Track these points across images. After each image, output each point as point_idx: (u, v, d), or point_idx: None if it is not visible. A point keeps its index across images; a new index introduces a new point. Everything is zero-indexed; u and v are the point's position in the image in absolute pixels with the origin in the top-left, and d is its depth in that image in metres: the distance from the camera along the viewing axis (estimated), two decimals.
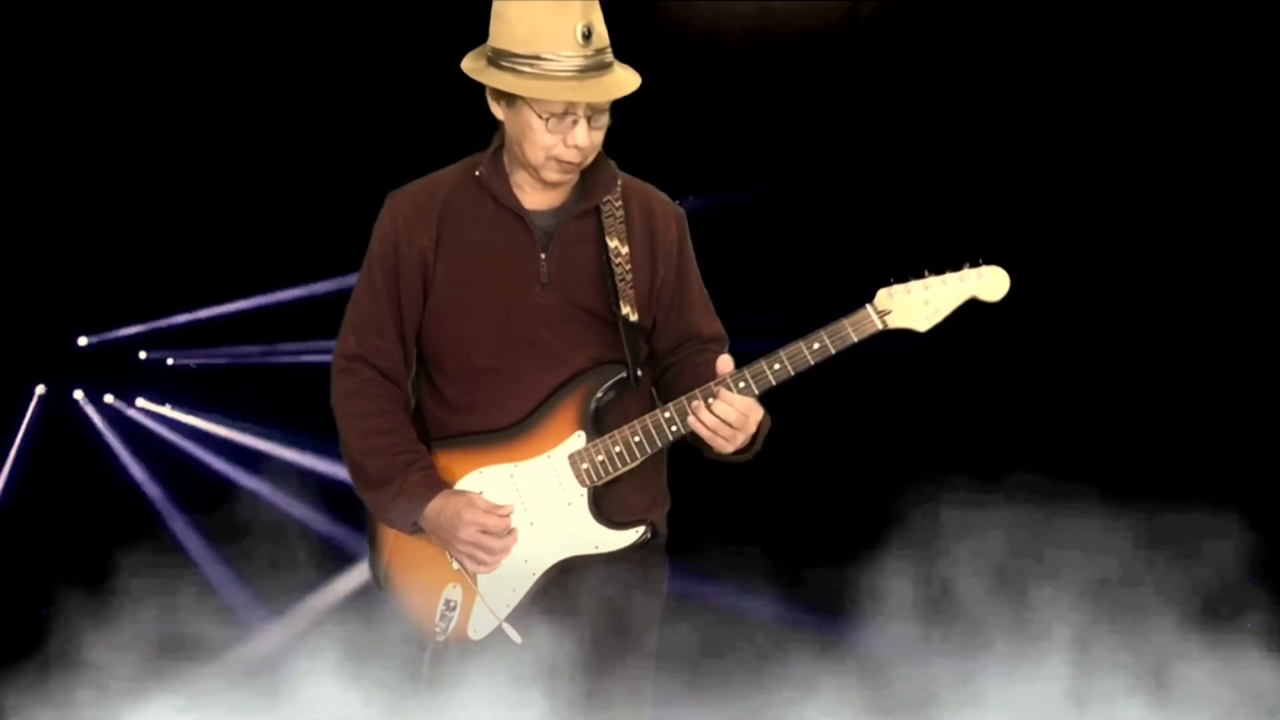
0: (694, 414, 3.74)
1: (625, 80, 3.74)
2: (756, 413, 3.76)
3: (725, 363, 3.76)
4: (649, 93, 3.77)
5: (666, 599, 3.99)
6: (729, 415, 3.73)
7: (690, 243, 4.00)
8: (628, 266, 3.86)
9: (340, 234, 4.84)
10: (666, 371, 3.96)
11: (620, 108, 3.80)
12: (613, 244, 3.86)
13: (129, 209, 7.75)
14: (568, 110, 3.71)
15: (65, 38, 7.44)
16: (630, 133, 3.92)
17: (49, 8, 7.41)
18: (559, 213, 3.87)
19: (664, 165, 4.21)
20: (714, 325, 4.00)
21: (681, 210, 4.00)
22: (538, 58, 3.68)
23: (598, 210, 3.87)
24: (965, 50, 7.38)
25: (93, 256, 7.79)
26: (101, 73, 7.49)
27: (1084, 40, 7.10)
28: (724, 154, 7.54)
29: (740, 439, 3.76)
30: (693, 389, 3.77)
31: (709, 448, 3.80)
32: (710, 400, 3.73)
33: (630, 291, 3.85)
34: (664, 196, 3.99)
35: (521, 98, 3.71)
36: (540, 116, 3.71)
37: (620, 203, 3.89)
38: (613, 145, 3.89)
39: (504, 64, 3.71)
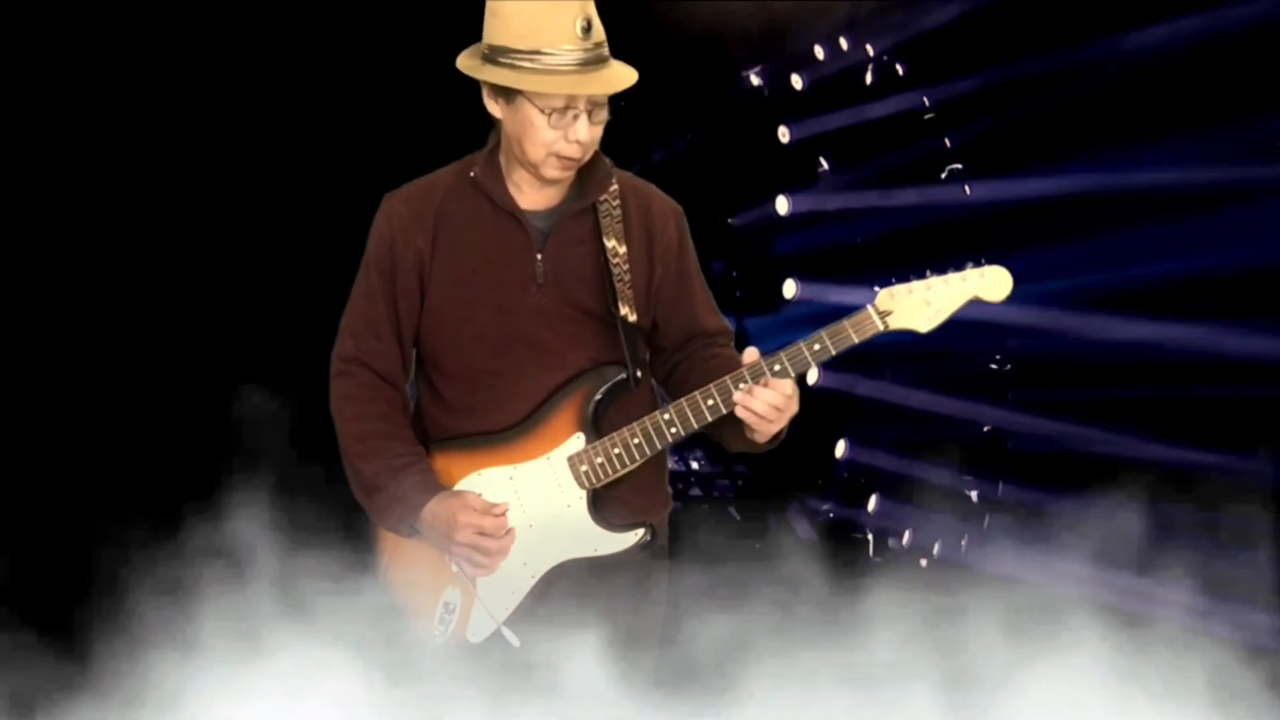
0: (738, 404, 3.69)
1: (624, 74, 3.71)
2: (796, 394, 3.73)
3: (750, 353, 3.73)
4: (648, 91, 3.74)
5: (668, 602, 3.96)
6: (776, 400, 3.69)
7: (690, 239, 3.97)
8: (625, 266, 3.83)
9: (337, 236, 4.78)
10: (675, 369, 3.93)
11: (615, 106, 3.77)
12: (610, 243, 3.83)
13: None
14: (569, 105, 3.68)
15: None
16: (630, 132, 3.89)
17: None
18: (555, 212, 3.84)
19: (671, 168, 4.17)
20: (719, 320, 3.97)
21: (679, 207, 3.96)
22: (538, 52, 3.65)
23: (594, 209, 3.84)
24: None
25: None
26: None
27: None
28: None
29: (784, 421, 3.74)
30: (704, 385, 3.74)
31: (734, 439, 3.78)
32: (753, 388, 3.69)
33: (628, 292, 3.82)
34: (661, 194, 3.95)
35: (522, 94, 3.68)
36: (542, 112, 3.68)
37: (617, 201, 3.85)
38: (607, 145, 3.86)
39: (502, 60, 3.68)
